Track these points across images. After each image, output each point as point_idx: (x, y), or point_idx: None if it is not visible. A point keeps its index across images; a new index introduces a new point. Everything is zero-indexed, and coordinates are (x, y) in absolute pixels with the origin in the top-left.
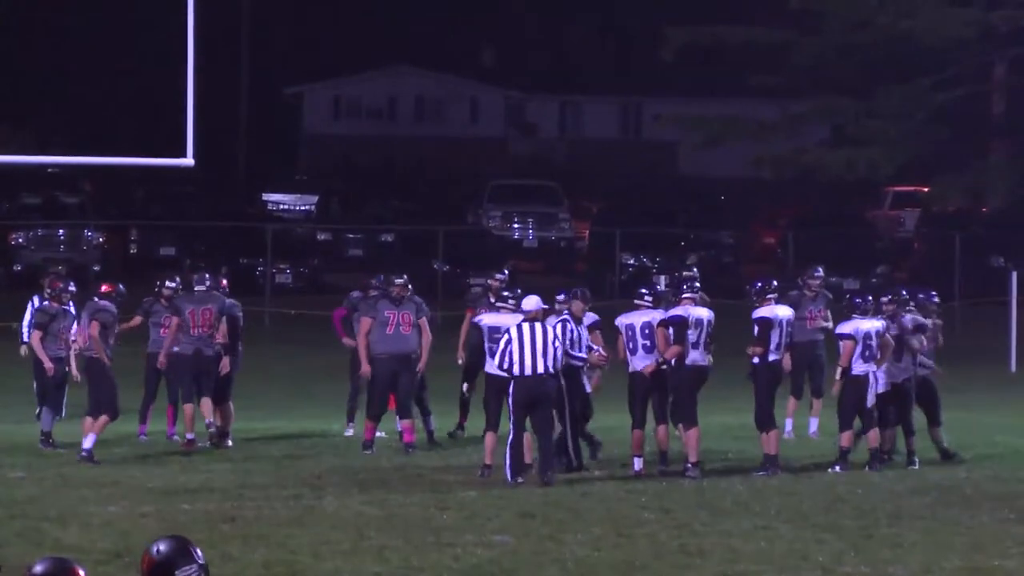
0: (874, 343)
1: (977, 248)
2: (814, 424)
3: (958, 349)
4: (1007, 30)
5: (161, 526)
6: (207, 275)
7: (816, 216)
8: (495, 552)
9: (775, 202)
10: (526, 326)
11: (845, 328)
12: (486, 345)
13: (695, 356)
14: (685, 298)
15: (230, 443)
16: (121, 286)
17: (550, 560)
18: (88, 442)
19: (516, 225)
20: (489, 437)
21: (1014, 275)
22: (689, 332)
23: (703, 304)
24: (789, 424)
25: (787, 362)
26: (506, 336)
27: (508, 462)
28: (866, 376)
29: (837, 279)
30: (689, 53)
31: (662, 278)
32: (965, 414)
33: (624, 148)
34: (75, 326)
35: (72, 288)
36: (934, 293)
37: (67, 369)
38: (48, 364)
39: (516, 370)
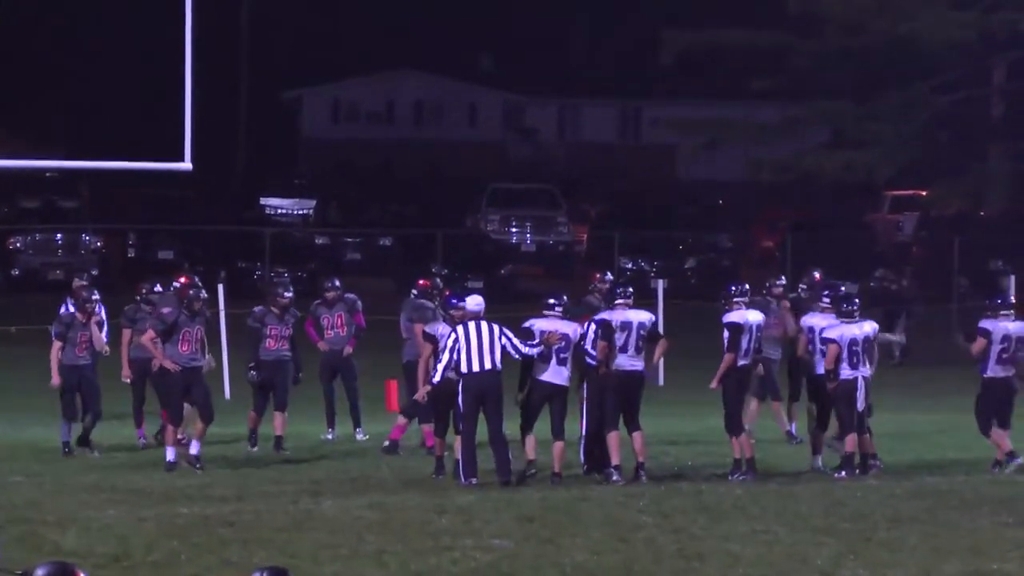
0: (860, 348)
1: (976, 251)
2: None
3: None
4: (1006, 34)
5: (160, 530)
6: (155, 284)
7: (815, 219)
8: (494, 556)
9: (774, 205)
10: (471, 325)
11: (831, 333)
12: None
13: (621, 360)
14: (618, 304)
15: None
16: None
17: (549, 564)
18: (193, 448)
19: (514, 229)
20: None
21: (1012, 278)
22: (617, 336)
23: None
24: (794, 428)
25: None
26: (453, 336)
27: (461, 464)
28: (854, 380)
29: (834, 282)
30: (688, 56)
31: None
32: (966, 417)
33: (623, 152)
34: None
35: (96, 296)
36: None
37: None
38: (56, 379)
39: (464, 367)
